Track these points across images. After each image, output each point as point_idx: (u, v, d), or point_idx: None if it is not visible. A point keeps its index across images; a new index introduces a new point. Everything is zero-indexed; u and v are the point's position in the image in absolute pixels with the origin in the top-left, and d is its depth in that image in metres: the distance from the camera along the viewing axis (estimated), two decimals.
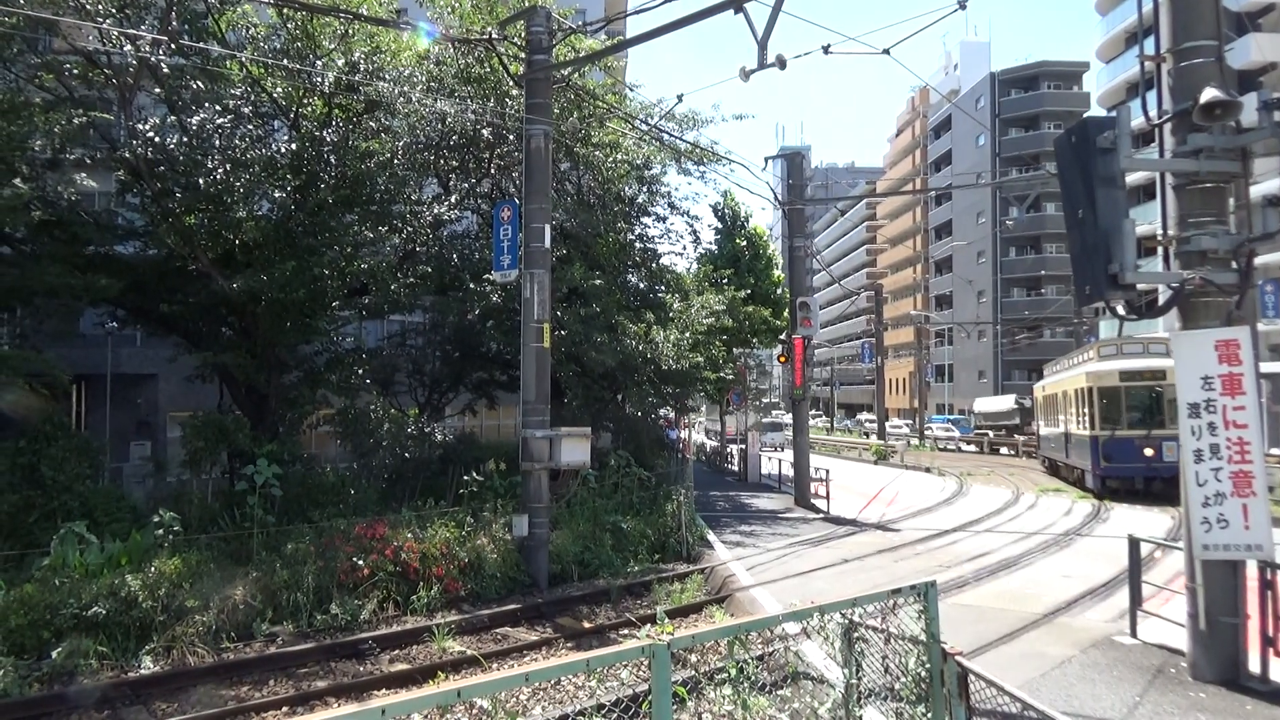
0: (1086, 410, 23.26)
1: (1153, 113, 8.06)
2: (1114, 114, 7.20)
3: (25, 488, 12.24)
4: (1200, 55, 7.61)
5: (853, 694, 4.46)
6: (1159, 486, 21.42)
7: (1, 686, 8.18)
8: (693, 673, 3.88)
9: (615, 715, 3.57)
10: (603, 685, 3.58)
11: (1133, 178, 7.80)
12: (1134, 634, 8.89)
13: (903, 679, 4.57)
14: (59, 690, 8.39)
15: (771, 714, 4.14)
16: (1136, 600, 9.01)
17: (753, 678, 4.05)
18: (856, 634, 4.53)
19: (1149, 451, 21.59)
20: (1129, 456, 21.95)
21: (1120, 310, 7.65)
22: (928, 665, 4.58)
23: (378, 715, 2.88)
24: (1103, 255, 6.88)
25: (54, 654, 8.83)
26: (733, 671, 4.00)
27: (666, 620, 3.80)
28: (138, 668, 8.98)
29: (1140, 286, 7.86)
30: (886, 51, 14.86)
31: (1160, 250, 8.14)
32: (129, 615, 9.39)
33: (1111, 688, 7.40)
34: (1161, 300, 7.93)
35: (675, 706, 3.66)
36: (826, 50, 14.57)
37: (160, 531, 11.15)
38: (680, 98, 21.79)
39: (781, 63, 11.92)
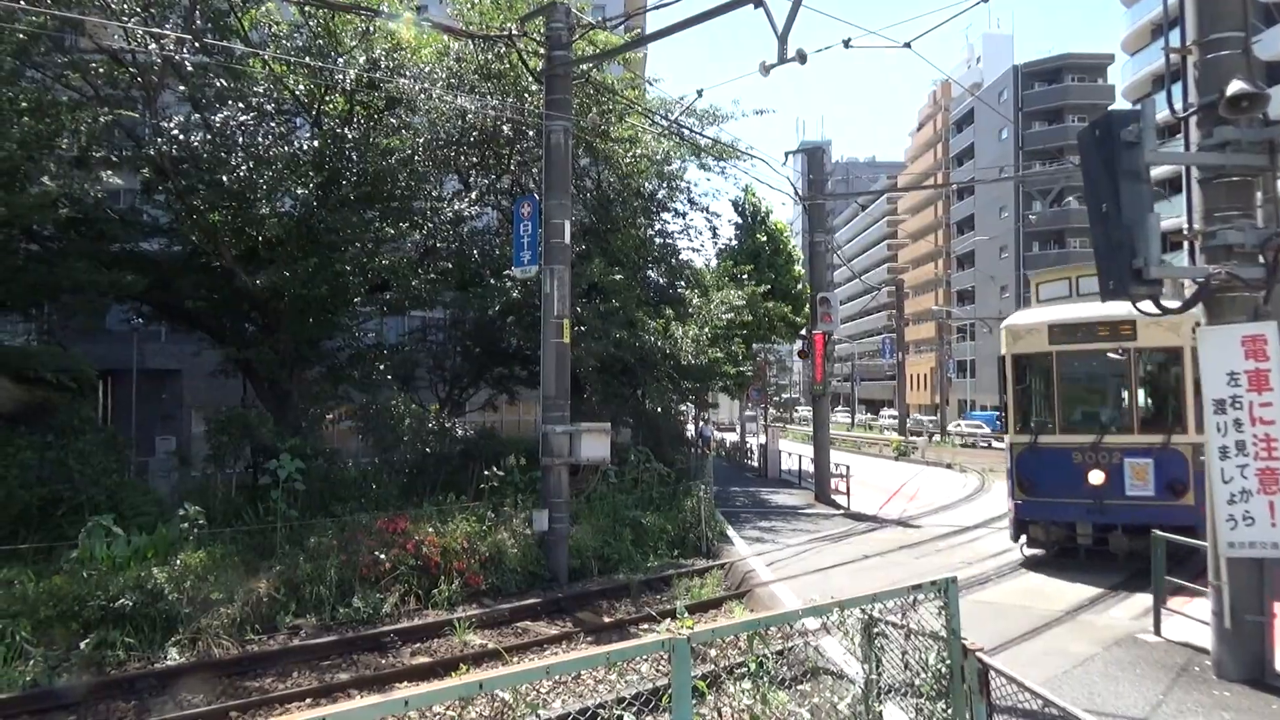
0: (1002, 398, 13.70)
1: (1178, 105, 7.96)
2: (1139, 107, 7.12)
3: (53, 481, 12.41)
4: (1227, 47, 7.51)
5: (873, 690, 4.46)
6: (1121, 543, 11.66)
7: (31, 677, 8.32)
8: (712, 667, 3.89)
9: (635, 709, 3.59)
10: (623, 679, 3.59)
11: (1158, 171, 7.73)
12: (1158, 632, 8.81)
13: (923, 675, 4.56)
14: (87, 680, 8.52)
15: (791, 709, 4.14)
16: (1160, 598, 8.93)
17: (772, 673, 4.06)
18: (877, 630, 4.53)
19: (1097, 478, 11.66)
20: (1062, 485, 12.02)
21: (1146, 306, 7.59)
22: (948, 661, 4.57)
23: (401, 706, 2.91)
24: (1127, 250, 6.81)
25: (82, 645, 8.97)
26: (752, 666, 4.01)
27: (686, 615, 3.81)
28: (164, 659, 9.10)
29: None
30: (908, 45, 14.78)
31: (1186, 245, 8.05)
32: (155, 607, 9.51)
33: (1135, 685, 7.34)
34: (1187, 295, 7.85)
35: (695, 701, 3.67)
36: (847, 44, 14.49)
37: (185, 525, 11.28)
38: (700, 93, 21.75)
39: (802, 57, 11.89)
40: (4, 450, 11.98)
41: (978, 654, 4.49)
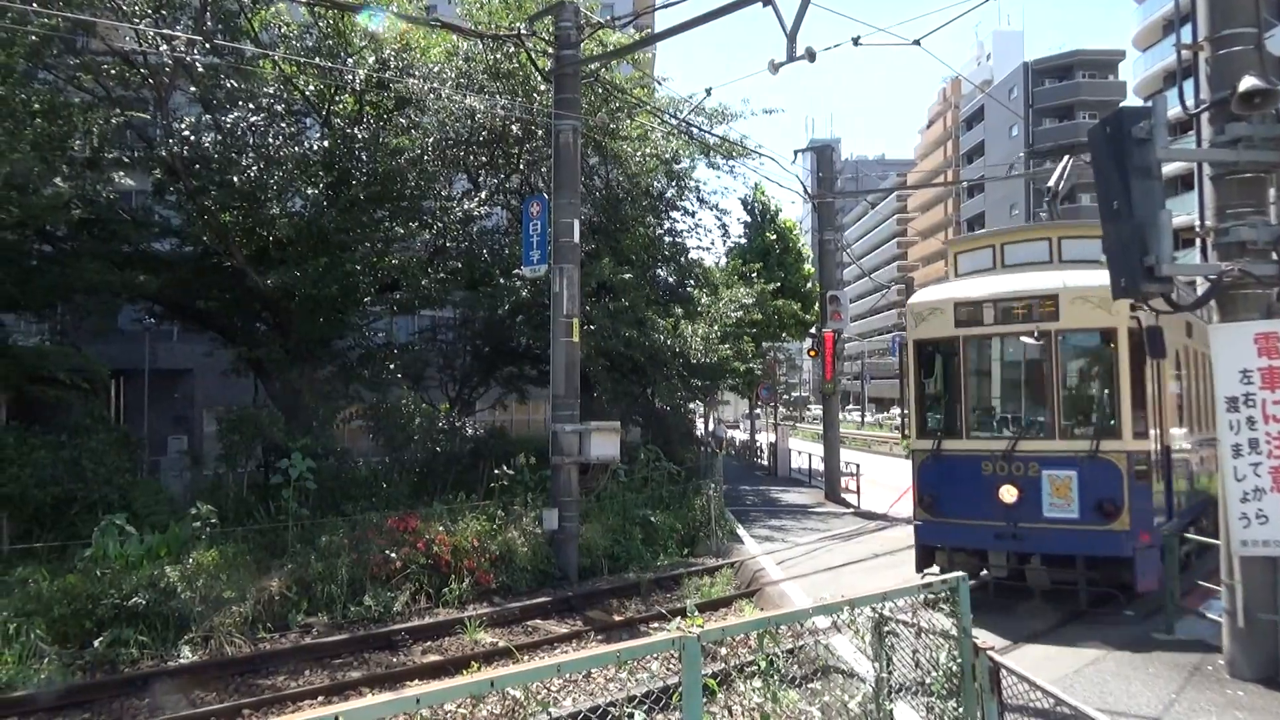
0: (902, 394, 11.96)
1: (1190, 102, 7.92)
2: (1150, 103, 7.08)
3: (67, 480, 12.49)
4: (1239, 43, 7.47)
5: (883, 688, 4.46)
6: (1039, 576, 9.57)
7: (46, 674, 8.38)
8: (723, 665, 3.90)
9: (646, 707, 3.59)
10: (633, 677, 3.60)
11: (1169, 168, 7.71)
12: (1170, 631, 8.77)
13: (933, 674, 4.56)
14: (101, 679, 8.59)
15: (801, 707, 4.14)
16: (1173, 597, 8.89)
17: (783, 671, 4.06)
18: (887, 628, 4.53)
19: (1009, 494, 9.47)
20: (969, 502, 9.83)
21: (1157, 303, 7.59)
22: (959, 660, 4.56)
23: (413, 703, 2.92)
24: (1138, 247, 6.78)
25: (96, 643, 9.03)
26: (763, 665, 4.00)
27: (696, 613, 3.81)
28: (177, 657, 9.16)
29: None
30: (917, 42, 14.74)
31: (1198, 242, 8.02)
32: (168, 606, 9.57)
33: (1147, 684, 7.31)
34: (1199, 292, 7.83)
35: (705, 699, 3.68)
36: (856, 42, 14.47)
37: (198, 524, 11.33)
38: (709, 91, 21.70)
39: (811, 55, 11.86)
40: (19, 450, 12.06)
41: (988, 653, 4.49)
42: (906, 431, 11.63)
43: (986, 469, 9.74)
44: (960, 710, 4.50)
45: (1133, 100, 55.15)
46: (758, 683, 3.97)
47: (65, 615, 9.19)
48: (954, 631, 4.58)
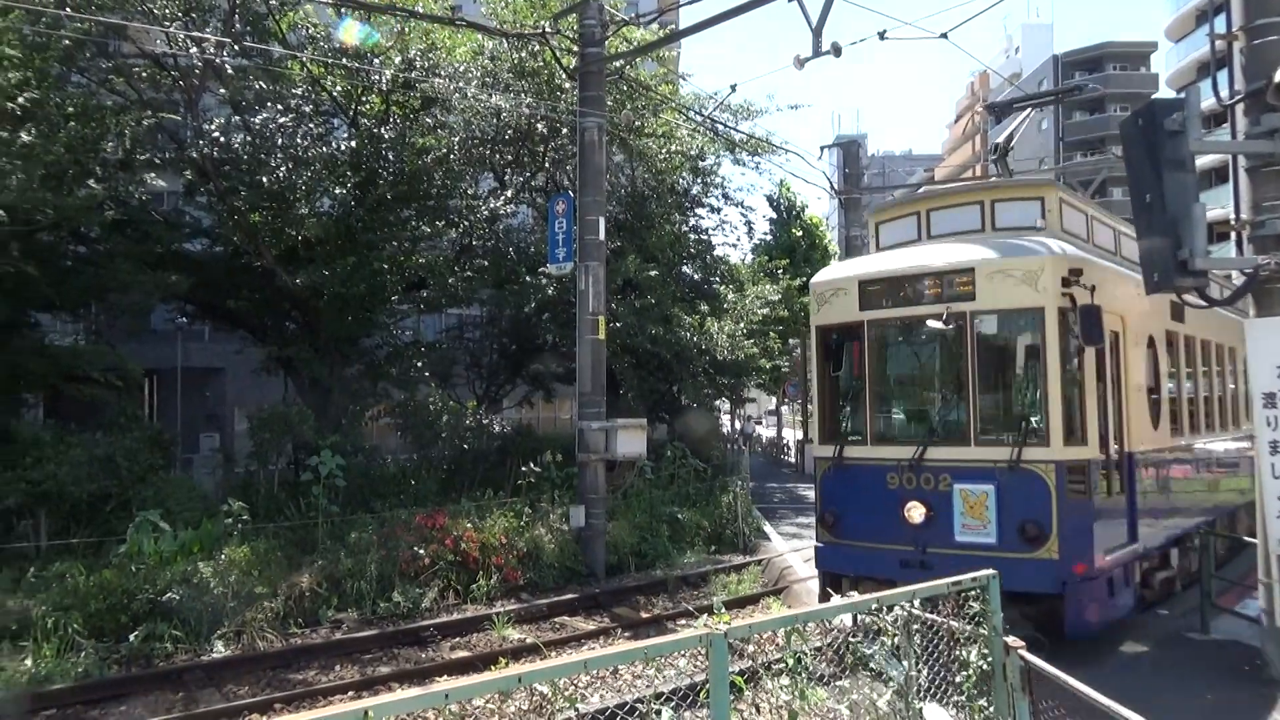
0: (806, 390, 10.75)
1: (1224, 93, 7.79)
2: (1183, 95, 6.98)
3: (102, 478, 12.67)
4: (1274, 32, 7.33)
5: (912, 686, 4.43)
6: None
7: (83, 668, 8.53)
8: (750, 663, 3.89)
9: (674, 704, 3.59)
10: (660, 674, 3.61)
11: (1203, 161, 7.58)
12: (1205, 630, 8.65)
13: (964, 672, 4.52)
14: (136, 672, 8.73)
15: (830, 705, 4.13)
16: (1208, 596, 8.76)
17: (810, 669, 4.05)
18: (916, 626, 4.50)
19: (916, 513, 8.13)
20: (874, 521, 8.46)
21: (1192, 298, 7.45)
22: (990, 659, 4.52)
23: (441, 699, 2.94)
24: (1172, 241, 6.68)
25: (131, 637, 9.18)
26: (790, 662, 3.99)
27: (724, 610, 3.81)
28: (210, 651, 9.29)
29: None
30: (944, 35, 14.59)
31: (1233, 235, 7.90)
32: (201, 601, 9.70)
33: (1182, 685, 7.21)
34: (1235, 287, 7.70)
35: (733, 696, 3.67)
36: (883, 36, 14.35)
37: (230, 520, 11.49)
38: (734, 88, 21.72)
39: (836, 50, 11.78)
40: (55, 447, 12.26)
41: (1020, 651, 4.45)
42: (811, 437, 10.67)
43: (892, 482, 8.27)
44: (991, 710, 4.46)
45: (1165, 92, 54.32)
46: (785, 680, 3.96)
47: (101, 610, 9.34)
48: (984, 630, 4.54)
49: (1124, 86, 68.01)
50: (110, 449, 12.85)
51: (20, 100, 12.28)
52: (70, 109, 13.28)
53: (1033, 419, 7.84)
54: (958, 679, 4.54)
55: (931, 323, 8.35)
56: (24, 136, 12.04)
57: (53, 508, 11.99)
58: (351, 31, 15.42)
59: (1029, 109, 11.66)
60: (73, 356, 14.32)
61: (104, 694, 8.25)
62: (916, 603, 4.46)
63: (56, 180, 12.65)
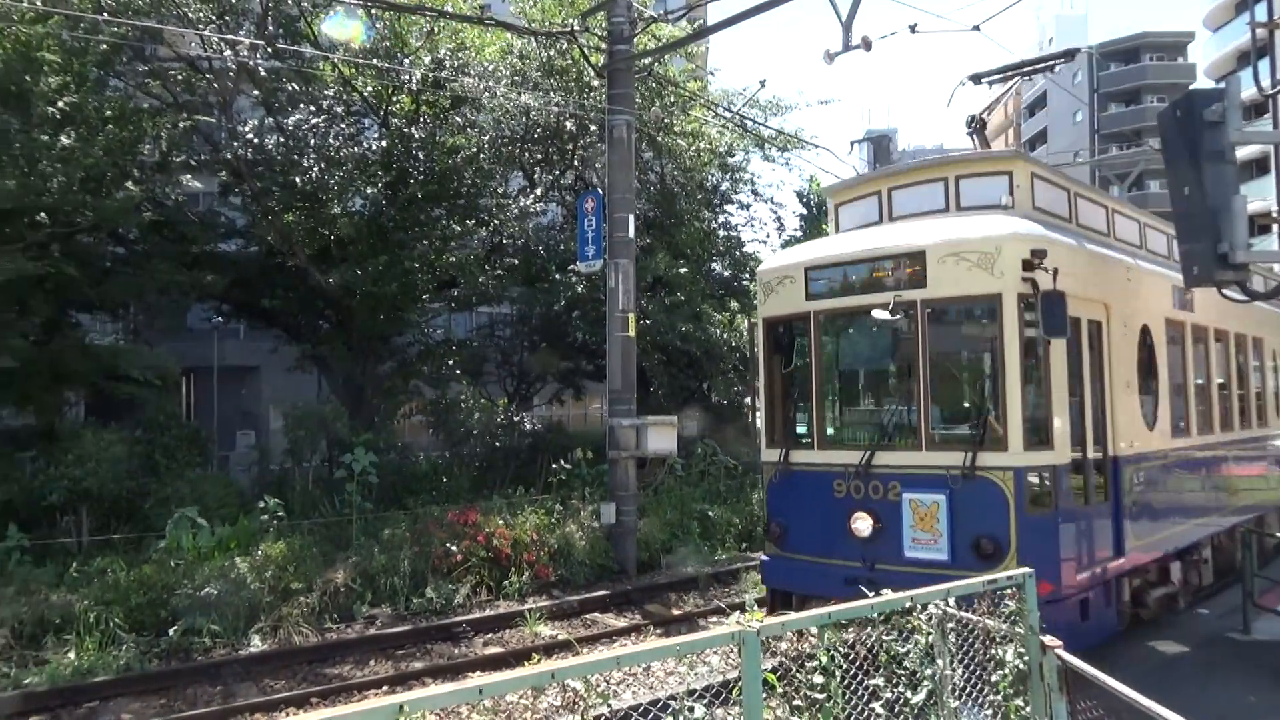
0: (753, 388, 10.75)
1: (1265, 82, 7.64)
2: (1222, 85, 6.85)
3: (141, 475, 12.92)
4: None
5: (947, 685, 4.38)
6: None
7: (124, 661, 8.69)
8: (783, 660, 3.88)
9: (706, 701, 3.59)
10: (692, 671, 3.60)
11: (1243, 152, 7.43)
12: (1247, 631, 8.49)
13: (1000, 671, 4.47)
14: (176, 666, 8.88)
15: (863, 703, 4.10)
16: (1250, 596, 8.60)
17: (844, 666, 4.02)
18: (951, 624, 4.45)
19: (863, 525, 7.31)
20: (820, 534, 7.74)
21: (1232, 292, 7.28)
22: (1026, 658, 4.47)
23: (475, 694, 2.96)
24: (1211, 234, 6.56)
25: (171, 632, 9.34)
26: (824, 660, 3.97)
27: (756, 607, 3.80)
28: (247, 646, 9.42)
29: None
30: (977, 28, 14.45)
31: (1275, 228, 7.73)
32: (238, 596, 9.84)
33: (1224, 685, 7.09)
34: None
35: (765, 693, 3.66)
36: (914, 29, 14.19)
37: (265, 517, 11.66)
38: (763, 83, 21.55)
39: (867, 44, 11.68)
40: (96, 445, 12.50)
41: (1057, 651, 4.39)
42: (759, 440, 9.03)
43: (839, 490, 7.51)
44: (1028, 710, 4.41)
45: (1203, 82, 53.34)
46: (819, 678, 3.94)
47: (141, 604, 9.52)
48: (1021, 629, 4.49)
49: (1161, 77, 66.83)
50: (149, 446, 13.10)
51: (60, 104, 12.54)
52: (109, 112, 13.53)
53: (990, 421, 7.10)
54: (993, 678, 4.49)
55: (877, 313, 7.45)
56: (64, 140, 12.28)
57: (94, 504, 12.24)
58: (346, 28, 15.42)
59: (1015, 79, 10.64)
60: (113, 355, 14.58)
61: (144, 687, 8.40)
62: (951, 601, 4.41)
63: (96, 183, 12.89)
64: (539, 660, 3.29)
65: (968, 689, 4.47)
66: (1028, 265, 6.70)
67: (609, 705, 3.45)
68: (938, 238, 7.24)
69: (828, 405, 8.22)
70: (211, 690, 8.41)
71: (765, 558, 8.37)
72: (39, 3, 12.42)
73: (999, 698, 4.43)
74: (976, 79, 10.47)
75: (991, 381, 7.24)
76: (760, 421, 8.61)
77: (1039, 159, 7.98)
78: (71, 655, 8.61)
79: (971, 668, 4.52)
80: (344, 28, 14.54)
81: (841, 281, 7.83)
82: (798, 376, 8.39)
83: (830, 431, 8.07)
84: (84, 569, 10.31)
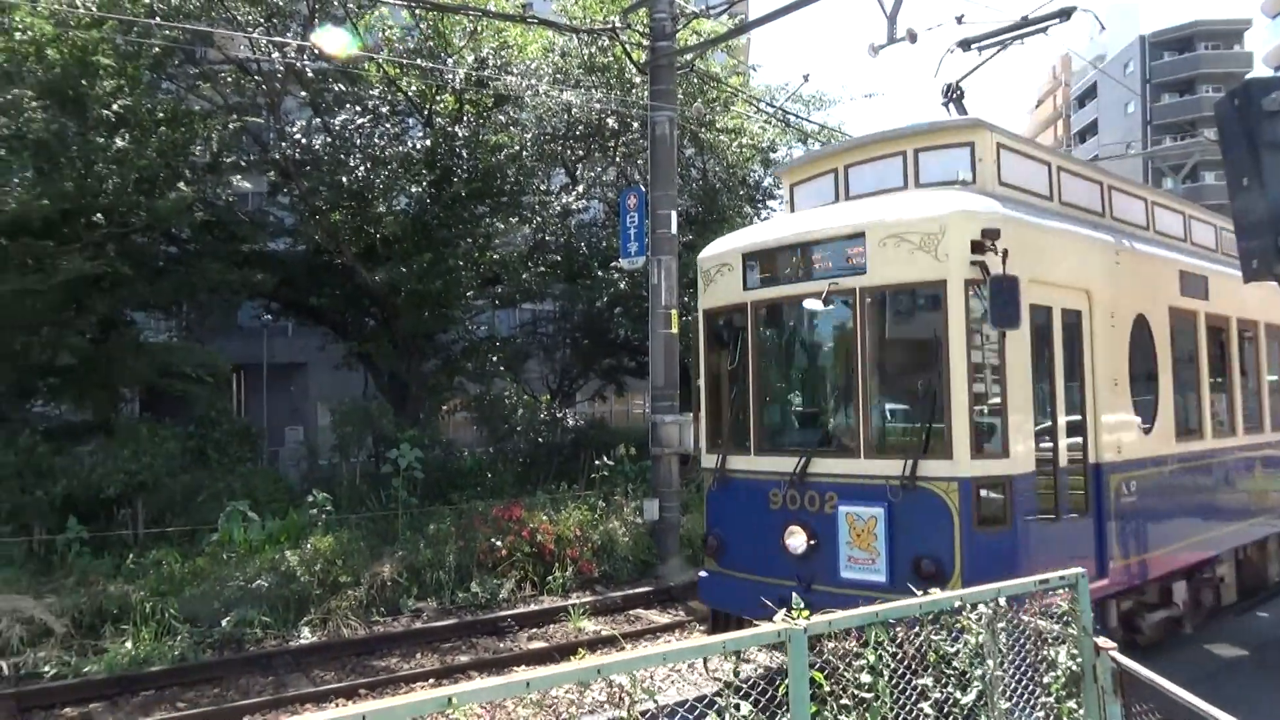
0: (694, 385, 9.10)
1: None
2: None
3: (194, 469, 13.20)
4: None
5: (997, 685, 4.32)
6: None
7: (179, 651, 8.90)
8: (829, 658, 3.85)
9: (752, 699, 3.58)
10: (739, 668, 3.59)
11: None
12: None
13: (1052, 673, 4.39)
14: (228, 656, 9.07)
15: (912, 703, 4.06)
16: None
17: (892, 665, 3.98)
18: (1001, 624, 4.38)
19: (797, 541, 6.63)
20: (756, 549, 7.02)
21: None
22: (1079, 660, 4.39)
23: (522, 687, 2.98)
24: (1271, 227, 6.36)
25: (224, 622, 9.54)
26: (871, 659, 3.93)
27: (801, 605, 3.77)
28: (297, 637, 9.60)
29: None
30: (1025, 19, 14.16)
31: None
32: (289, 589, 10.04)
33: None
34: None
35: (812, 690, 3.64)
36: (960, 20, 13.99)
37: (314, 511, 11.86)
38: (806, 78, 21.45)
39: (912, 36, 11.53)
40: (151, 440, 12.79)
41: (1111, 653, 4.31)
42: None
43: (775, 500, 6.85)
44: (1081, 712, 4.33)
45: (1261, 70, 51.90)
46: (866, 676, 3.90)
47: (195, 596, 9.75)
48: (1073, 629, 4.41)
49: (1216, 66, 65.09)
50: (202, 442, 13.38)
51: (115, 107, 12.85)
52: (161, 115, 13.82)
53: (935, 425, 6.30)
54: (1045, 680, 4.41)
55: (810, 303, 6.77)
56: (119, 142, 12.59)
57: (149, 497, 12.53)
58: (335, 38, 15.25)
59: (996, 48, 9.84)
60: (167, 353, 14.93)
61: (198, 677, 8.61)
62: (1002, 600, 4.34)
63: (149, 184, 13.19)
64: (584, 655, 3.30)
65: (1018, 690, 4.40)
66: (978, 247, 5.96)
67: (655, 701, 3.44)
68: (877, 217, 6.55)
69: (766, 406, 7.46)
70: (263, 681, 8.57)
71: (703, 574, 7.66)
72: (94, 8, 12.74)
73: (1051, 700, 4.36)
74: (966, 45, 9.80)
75: (934, 377, 6.37)
76: (702, 425, 7.78)
77: (1007, 130, 7.31)
78: (129, 645, 8.84)
79: (1022, 668, 4.45)
80: (335, 39, 14.48)
81: (780, 268, 7.06)
82: (735, 373, 7.62)
83: (767, 436, 7.29)
84: (140, 560, 10.59)
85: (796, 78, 30.58)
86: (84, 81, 12.64)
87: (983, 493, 6.05)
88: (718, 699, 3.60)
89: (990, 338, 6.16)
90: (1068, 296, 6.87)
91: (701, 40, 17.50)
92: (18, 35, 12.43)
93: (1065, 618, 4.45)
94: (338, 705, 7.73)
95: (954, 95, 9.18)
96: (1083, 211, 7.77)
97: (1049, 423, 6.68)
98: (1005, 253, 5.79)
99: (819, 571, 6.46)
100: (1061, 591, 4.48)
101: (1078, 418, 6.90)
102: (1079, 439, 6.89)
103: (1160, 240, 8.77)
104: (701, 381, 7.87)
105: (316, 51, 14.93)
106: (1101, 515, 6.91)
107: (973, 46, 9.79)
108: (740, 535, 7.21)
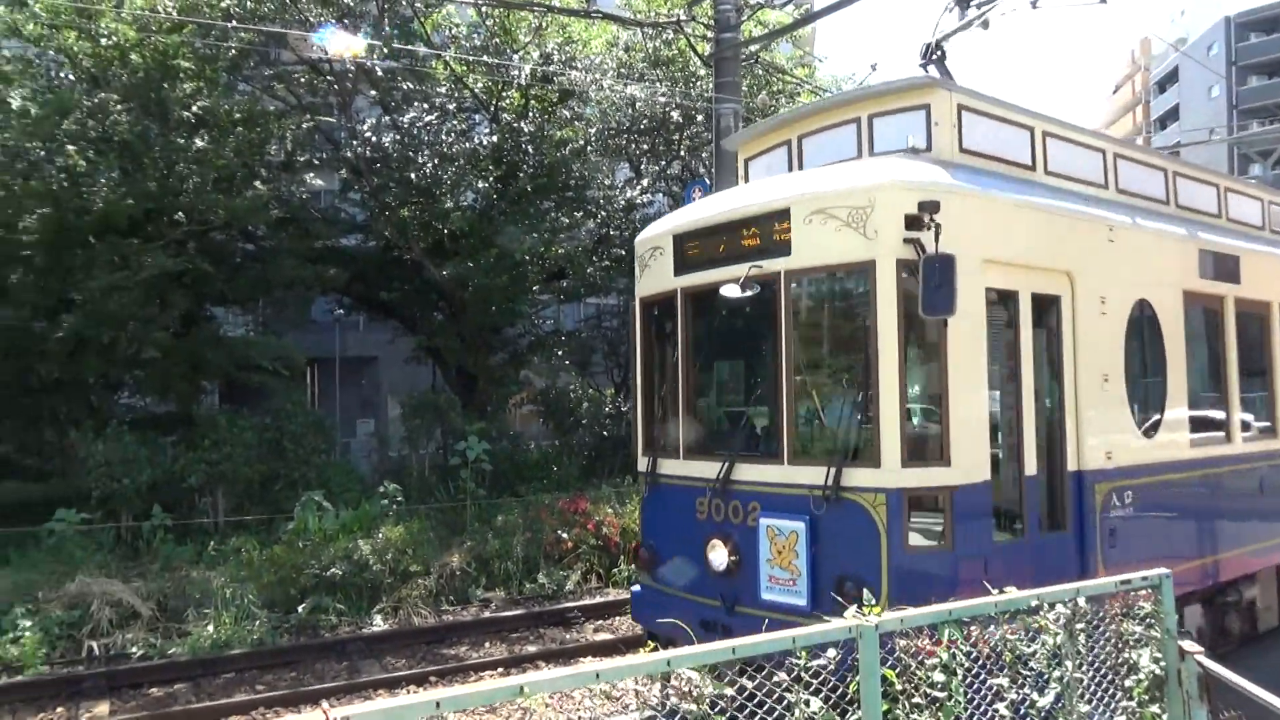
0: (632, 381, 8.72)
1: None
2: None
3: (271, 459, 13.59)
4: None
5: (1075, 688, 4.20)
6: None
7: (258, 635, 9.19)
8: (900, 656, 3.80)
9: (823, 694, 3.54)
10: (809, 663, 3.56)
11: None
12: None
13: (1133, 676, 4.26)
14: (305, 642, 9.33)
15: (986, 703, 3.97)
16: None
17: (966, 664, 3.91)
18: (1080, 624, 4.26)
19: (719, 556, 5.81)
20: (684, 562, 6.31)
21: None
22: (1163, 663, 4.25)
23: (592, 678, 3.00)
24: None
25: (300, 609, 9.82)
26: (944, 657, 3.86)
27: (873, 601, 3.72)
28: (370, 625, 9.84)
29: None
30: (1104, 0, 13.70)
31: None
32: (361, 577, 10.29)
33: None
34: None
35: (883, 687, 3.60)
36: (1034, 4, 13.59)
37: (385, 502, 12.13)
38: (874, 67, 21.09)
39: (985, 22, 11.26)
40: (230, 431, 13.20)
41: (1197, 657, 4.16)
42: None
43: (701, 510, 6.11)
44: (1165, 717, 4.19)
45: None
46: (939, 675, 3.83)
47: (273, 582, 10.05)
48: (1156, 632, 4.27)
49: None
50: (278, 433, 13.75)
51: (194, 108, 13.27)
52: (238, 115, 14.23)
53: (859, 427, 5.59)
54: (1127, 683, 4.28)
55: (726, 290, 5.89)
56: (198, 142, 13.01)
57: (228, 486, 12.95)
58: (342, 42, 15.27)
59: (987, 8, 8.69)
60: (244, 346, 15.38)
61: (276, 661, 8.87)
62: (1081, 600, 4.22)
63: (227, 182, 13.60)
64: (654, 647, 3.31)
65: (1098, 693, 4.27)
66: (914, 223, 5.12)
67: (726, 693, 3.44)
68: (802, 190, 5.72)
69: (696, 405, 6.67)
70: (337, 666, 8.80)
71: (635, 589, 6.98)
72: (174, 13, 13.17)
73: (1133, 703, 4.23)
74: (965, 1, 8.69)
75: (864, 376, 5.51)
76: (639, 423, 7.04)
77: (976, 92, 6.33)
78: (210, 628, 9.16)
79: (1102, 670, 4.32)
80: (340, 42, 14.58)
81: (711, 251, 6.23)
82: (666, 370, 6.88)
83: (697, 438, 6.51)
84: (220, 548, 10.96)
85: (864, 68, 30.16)
86: (165, 84, 13.09)
87: (917, 506, 5.28)
88: (787, 694, 3.57)
89: (931, 326, 5.33)
90: (1042, 279, 5.97)
91: (766, 31, 17.35)
92: (103, 41, 12.92)
93: (1148, 619, 4.31)
94: (409, 692, 7.90)
95: (934, 56, 8.07)
96: (1077, 183, 6.80)
97: (1034, 425, 5.86)
98: (938, 228, 4.98)
99: (741, 591, 5.72)
100: (1144, 592, 4.34)
101: (1052, 420, 6.08)
102: (1056, 443, 6.03)
103: (1182, 216, 7.70)
104: (638, 377, 7.13)
105: (386, 50, 15.21)
106: (1085, 531, 6.00)
107: (971, 2, 8.76)
108: (671, 547, 6.47)
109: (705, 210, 6.57)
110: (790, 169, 6.93)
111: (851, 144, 6.43)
